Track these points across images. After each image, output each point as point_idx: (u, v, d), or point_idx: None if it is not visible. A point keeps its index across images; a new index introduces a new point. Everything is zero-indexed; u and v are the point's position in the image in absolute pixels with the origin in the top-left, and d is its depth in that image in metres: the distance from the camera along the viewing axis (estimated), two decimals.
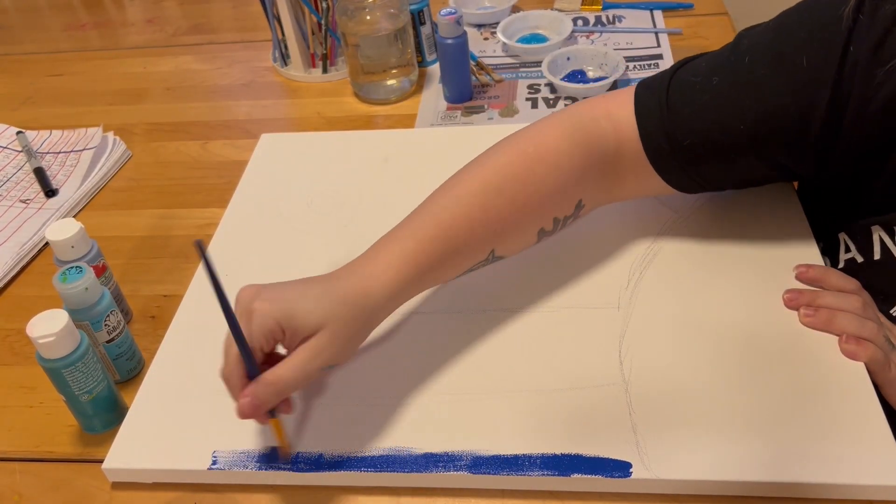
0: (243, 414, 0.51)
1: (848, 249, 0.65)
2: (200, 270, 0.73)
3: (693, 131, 0.61)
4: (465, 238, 0.60)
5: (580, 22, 1.11)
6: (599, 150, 0.64)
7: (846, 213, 0.66)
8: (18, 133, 0.99)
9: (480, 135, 0.87)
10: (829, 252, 0.68)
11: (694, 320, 0.62)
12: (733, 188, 0.71)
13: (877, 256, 0.63)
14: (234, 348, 0.51)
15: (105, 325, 0.62)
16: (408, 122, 0.96)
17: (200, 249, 0.46)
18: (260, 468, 0.56)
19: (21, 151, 0.96)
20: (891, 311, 0.62)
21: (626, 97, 0.65)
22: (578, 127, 0.64)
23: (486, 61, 1.05)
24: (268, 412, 0.53)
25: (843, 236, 0.66)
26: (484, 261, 0.62)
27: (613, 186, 0.67)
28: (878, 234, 0.62)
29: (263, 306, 0.52)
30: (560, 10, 1.11)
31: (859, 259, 0.64)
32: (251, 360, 0.51)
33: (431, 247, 0.58)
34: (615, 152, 0.64)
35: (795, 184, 0.74)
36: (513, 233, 0.63)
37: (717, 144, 0.61)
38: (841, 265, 0.66)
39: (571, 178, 0.63)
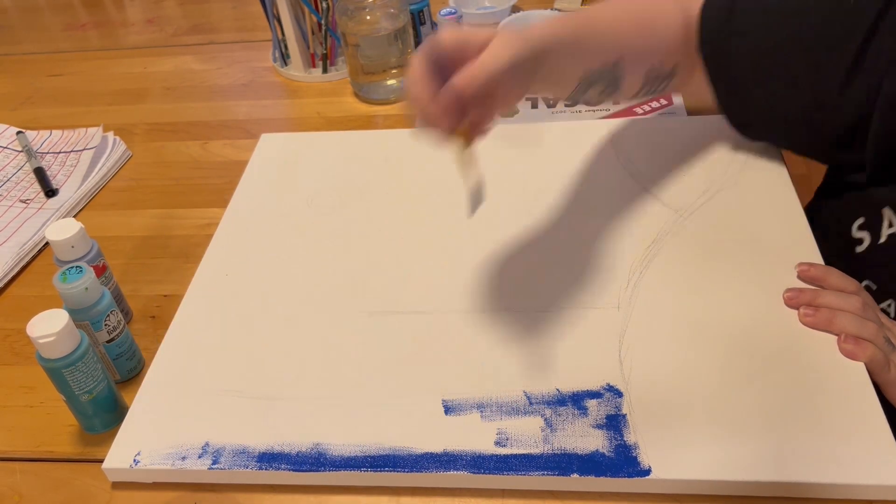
0: (444, 104, 0.49)
1: (891, 224, 0.65)
2: (200, 270, 0.73)
3: (746, 38, 0.67)
4: (604, 26, 0.65)
5: None
6: (687, 25, 0.69)
7: (892, 187, 0.65)
8: (18, 133, 0.99)
9: None
10: (872, 227, 0.67)
11: (694, 320, 0.62)
12: (777, 121, 0.72)
13: None
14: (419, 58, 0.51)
15: (105, 324, 0.62)
16: (408, 122, 0.96)
17: None
18: (260, 468, 0.56)
19: (21, 151, 0.96)
20: None
21: None
22: None
23: None
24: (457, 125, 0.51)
25: (886, 211, 0.65)
26: (610, 68, 0.66)
27: (692, 71, 0.71)
28: None
29: (447, 28, 0.54)
30: (560, 10, 1.11)
31: None
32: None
33: (573, 22, 0.62)
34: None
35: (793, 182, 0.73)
36: (637, 53, 0.68)
37: (767, 53, 0.66)
38: (883, 240, 0.65)
39: (671, 34, 0.69)
